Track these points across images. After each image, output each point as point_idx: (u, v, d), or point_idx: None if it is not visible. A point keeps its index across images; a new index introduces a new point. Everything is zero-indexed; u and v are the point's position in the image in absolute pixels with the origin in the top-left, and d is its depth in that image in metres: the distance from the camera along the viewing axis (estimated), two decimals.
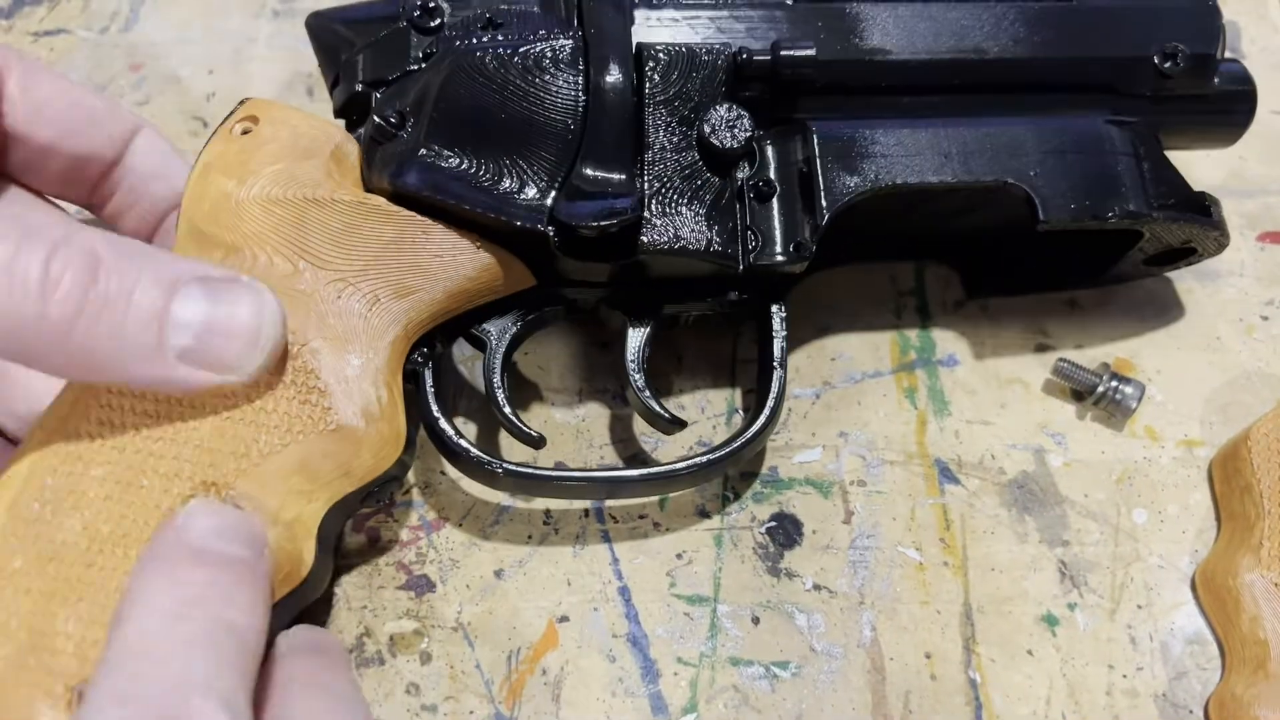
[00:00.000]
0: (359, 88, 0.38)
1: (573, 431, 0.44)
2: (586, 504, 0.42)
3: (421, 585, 0.40)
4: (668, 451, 0.43)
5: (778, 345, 0.40)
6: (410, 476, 0.42)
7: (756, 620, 0.39)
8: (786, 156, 0.38)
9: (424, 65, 0.37)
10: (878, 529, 0.41)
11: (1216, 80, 0.41)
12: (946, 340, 0.46)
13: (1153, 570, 0.41)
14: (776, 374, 0.40)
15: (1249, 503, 0.40)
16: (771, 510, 0.42)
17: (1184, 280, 0.48)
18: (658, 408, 0.39)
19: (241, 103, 0.38)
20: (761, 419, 0.39)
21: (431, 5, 0.38)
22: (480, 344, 0.39)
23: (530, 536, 0.41)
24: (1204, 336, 0.47)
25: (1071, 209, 0.38)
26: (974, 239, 0.47)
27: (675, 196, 0.36)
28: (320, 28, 0.41)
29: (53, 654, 0.29)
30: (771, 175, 0.38)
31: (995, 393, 0.45)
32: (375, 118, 0.36)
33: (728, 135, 0.36)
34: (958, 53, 0.39)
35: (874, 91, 0.39)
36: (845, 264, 0.48)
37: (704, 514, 0.42)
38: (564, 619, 0.39)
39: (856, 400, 0.45)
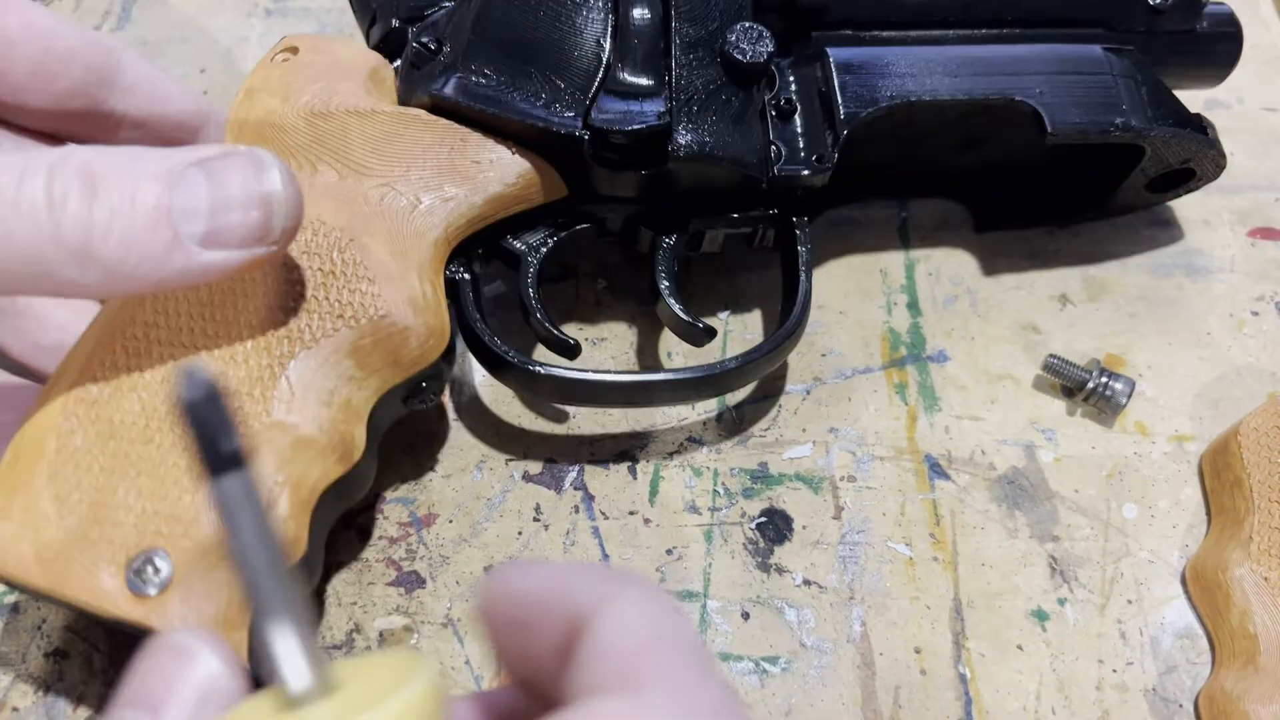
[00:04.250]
0: (395, 23, 0.41)
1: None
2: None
3: (411, 581, 0.40)
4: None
5: (803, 254, 0.42)
6: (406, 477, 0.42)
7: (746, 615, 0.39)
8: (805, 79, 0.41)
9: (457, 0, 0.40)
10: (868, 524, 0.41)
11: (1204, 23, 0.44)
12: (937, 336, 0.46)
13: (1143, 565, 0.41)
14: (802, 282, 0.42)
15: (1239, 497, 0.40)
16: (761, 506, 0.42)
17: (1174, 276, 0.49)
18: (690, 318, 0.41)
19: (282, 39, 0.40)
20: (790, 323, 0.41)
21: None
22: (514, 260, 0.41)
23: (520, 533, 0.41)
24: (1194, 332, 0.47)
25: (1077, 122, 0.40)
26: (983, 174, 0.49)
27: (701, 110, 0.38)
28: None
29: (114, 525, 0.31)
30: (791, 95, 0.41)
31: (985, 388, 0.45)
32: (413, 44, 0.39)
33: (749, 48, 0.38)
34: None
35: (884, 25, 0.42)
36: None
37: (694, 509, 0.42)
38: None
39: (847, 396, 0.45)
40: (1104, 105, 0.41)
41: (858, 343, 0.46)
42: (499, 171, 0.38)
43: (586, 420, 0.44)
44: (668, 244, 0.42)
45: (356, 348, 0.34)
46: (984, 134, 0.45)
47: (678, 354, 0.46)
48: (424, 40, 0.39)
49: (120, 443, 0.31)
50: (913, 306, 0.47)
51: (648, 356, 0.46)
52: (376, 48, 0.42)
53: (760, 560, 0.41)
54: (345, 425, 0.34)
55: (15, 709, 0.37)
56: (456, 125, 0.38)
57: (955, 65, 0.40)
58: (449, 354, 0.38)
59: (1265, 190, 0.51)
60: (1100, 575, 0.40)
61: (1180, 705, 0.38)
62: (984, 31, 0.42)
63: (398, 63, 0.40)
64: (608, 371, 0.40)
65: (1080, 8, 0.43)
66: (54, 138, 0.39)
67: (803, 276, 0.42)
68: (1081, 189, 0.48)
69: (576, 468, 0.43)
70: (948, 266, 0.49)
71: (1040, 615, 0.39)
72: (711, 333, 0.41)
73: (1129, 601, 0.40)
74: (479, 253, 0.40)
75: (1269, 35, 0.58)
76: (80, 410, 0.32)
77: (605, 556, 0.41)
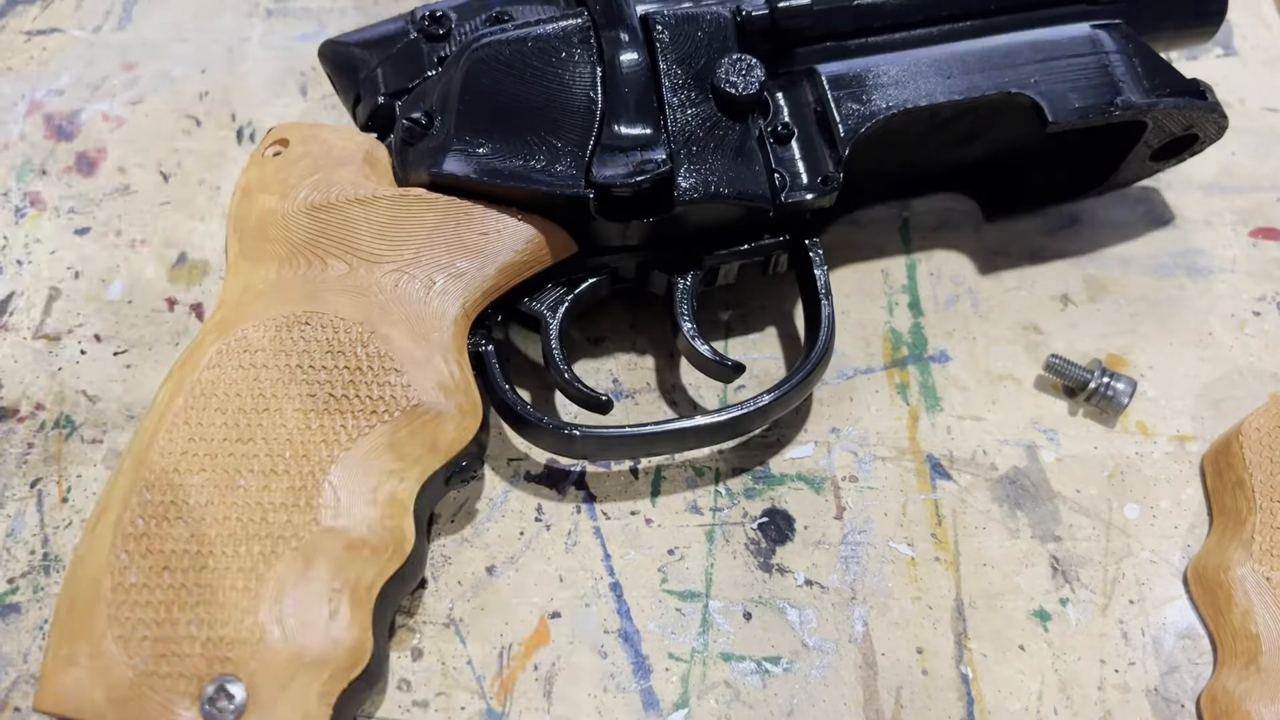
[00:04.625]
0: (381, 99, 0.40)
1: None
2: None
3: None
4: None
5: (820, 277, 0.42)
6: None
7: (748, 616, 0.39)
8: (798, 100, 0.40)
9: (440, 69, 0.40)
10: (869, 524, 0.41)
11: None
12: (938, 336, 0.46)
13: (1144, 565, 0.41)
14: (824, 306, 0.41)
15: (1241, 497, 0.40)
16: (763, 506, 0.42)
17: (1175, 276, 0.48)
18: (717, 356, 0.40)
19: (269, 130, 0.40)
20: (817, 350, 0.41)
21: (439, 14, 0.41)
22: (534, 322, 0.40)
23: (522, 533, 0.41)
24: (1196, 332, 0.47)
25: (1076, 107, 0.40)
26: (986, 165, 0.49)
27: (700, 149, 0.38)
28: (335, 53, 0.43)
29: (182, 658, 0.31)
30: (787, 119, 0.40)
31: (987, 389, 0.45)
32: (404, 120, 0.38)
33: (740, 81, 0.38)
34: None
35: (868, 32, 0.42)
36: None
37: (696, 510, 0.42)
38: (555, 615, 0.39)
39: (848, 396, 0.45)
40: (1101, 86, 0.40)
41: (859, 343, 0.46)
42: (507, 240, 0.37)
43: (587, 419, 0.44)
44: (683, 284, 0.41)
45: (394, 441, 0.34)
46: (983, 126, 0.45)
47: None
48: (414, 116, 0.38)
49: (174, 573, 0.31)
50: (914, 307, 0.47)
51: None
52: (365, 126, 0.41)
53: (762, 560, 0.40)
54: (393, 520, 0.34)
55: (17, 709, 0.37)
56: (459, 200, 0.37)
57: (947, 65, 0.40)
58: (483, 428, 0.37)
59: (1266, 190, 0.51)
60: (1102, 575, 0.40)
61: (1182, 705, 0.38)
62: (969, 24, 0.42)
63: (391, 138, 0.40)
64: (643, 425, 0.39)
65: None
66: None
67: (824, 302, 0.41)
68: (1086, 166, 0.47)
69: (578, 468, 0.43)
70: (949, 267, 0.49)
71: (1042, 615, 0.39)
72: (740, 368, 0.41)
73: (1131, 602, 0.40)
74: (498, 320, 0.40)
75: (1269, 35, 0.58)
76: (130, 546, 0.31)
77: (607, 557, 0.40)
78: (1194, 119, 0.42)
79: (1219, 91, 0.53)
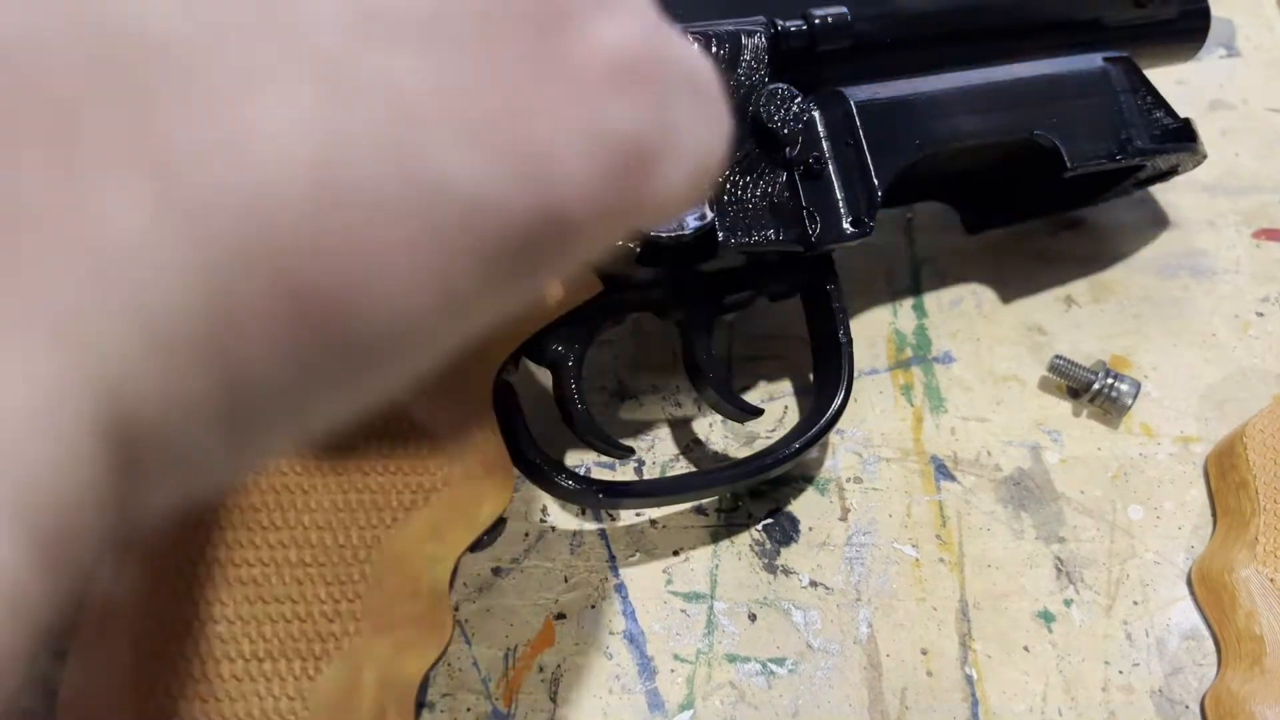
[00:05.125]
0: None
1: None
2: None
3: None
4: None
5: (842, 322, 0.41)
6: None
7: (753, 617, 0.39)
8: (826, 129, 0.38)
9: None
10: (874, 526, 0.41)
11: (1175, 2, 0.44)
12: (942, 337, 0.47)
13: (1149, 566, 0.41)
14: (845, 350, 0.40)
15: (1244, 499, 0.40)
16: (768, 507, 0.42)
17: (1179, 277, 0.49)
18: (737, 404, 0.40)
19: None
20: (840, 395, 0.40)
21: None
22: (549, 364, 0.38)
23: (527, 534, 0.41)
24: (1199, 333, 0.47)
25: (1092, 153, 0.40)
26: (971, 175, 0.48)
27: (740, 190, 0.36)
28: None
29: None
30: (816, 152, 0.38)
31: (991, 390, 0.45)
32: None
33: (779, 111, 0.36)
34: None
35: (892, 47, 0.39)
36: None
37: (701, 512, 0.42)
38: (561, 616, 0.39)
39: (852, 397, 0.45)
40: (1114, 128, 0.40)
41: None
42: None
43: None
44: (703, 320, 0.40)
45: (435, 525, 0.33)
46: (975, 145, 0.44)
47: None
48: None
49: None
50: (918, 308, 0.47)
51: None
52: None
53: (767, 562, 0.41)
54: (433, 614, 0.33)
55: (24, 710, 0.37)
56: None
57: (976, 101, 0.39)
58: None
59: (1270, 192, 0.52)
60: (1106, 576, 0.40)
61: (1186, 707, 0.38)
62: (991, 45, 0.41)
63: None
64: (665, 479, 0.39)
65: (1080, 8, 0.42)
66: None
67: (844, 345, 0.40)
68: (1068, 185, 0.47)
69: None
70: (953, 268, 0.49)
71: (1046, 616, 0.40)
72: (758, 411, 0.40)
73: (1135, 603, 0.40)
74: (513, 366, 0.38)
75: (1273, 36, 0.58)
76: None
77: (612, 558, 0.41)
78: (1182, 159, 0.43)
79: (1222, 92, 0.53)
